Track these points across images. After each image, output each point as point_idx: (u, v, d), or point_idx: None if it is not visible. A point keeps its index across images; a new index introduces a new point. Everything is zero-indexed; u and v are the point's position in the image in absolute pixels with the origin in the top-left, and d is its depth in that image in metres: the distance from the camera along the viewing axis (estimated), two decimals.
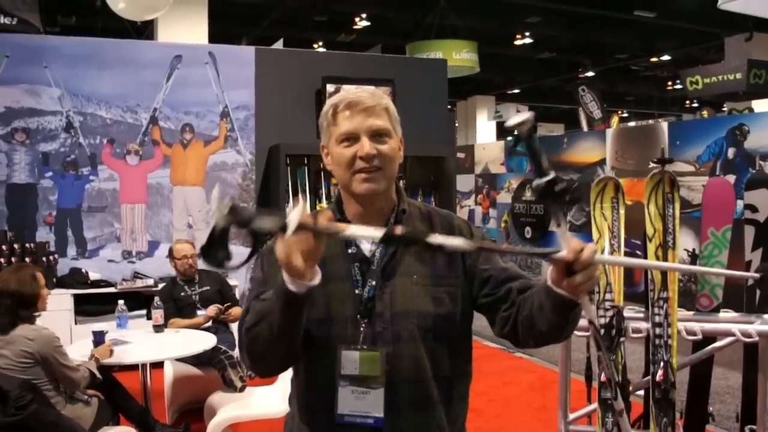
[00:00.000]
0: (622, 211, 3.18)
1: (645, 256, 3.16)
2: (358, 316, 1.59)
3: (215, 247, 1.25)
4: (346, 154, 1.60)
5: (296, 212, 1.26)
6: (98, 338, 4.04)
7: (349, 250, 1.63)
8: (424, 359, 1.60)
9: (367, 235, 1.37)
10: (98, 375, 3.64)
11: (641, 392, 3.29)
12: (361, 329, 1.58)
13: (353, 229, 1.34)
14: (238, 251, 1.29)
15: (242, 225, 1.24)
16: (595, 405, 3.07)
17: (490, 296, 1.64)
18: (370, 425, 1.56)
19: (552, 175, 1.44)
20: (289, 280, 1.37)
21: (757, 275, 2.26)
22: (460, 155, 13.12)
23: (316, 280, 1.39)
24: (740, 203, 4.00)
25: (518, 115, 1.42)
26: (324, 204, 7.04)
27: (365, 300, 1.60)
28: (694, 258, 8.24)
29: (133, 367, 4.39)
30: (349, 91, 1.66)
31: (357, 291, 1.60)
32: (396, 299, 1.60)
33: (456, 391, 1.68)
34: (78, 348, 4.20)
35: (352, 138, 1.60)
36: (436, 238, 1.34)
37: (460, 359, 1.69)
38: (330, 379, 1.59)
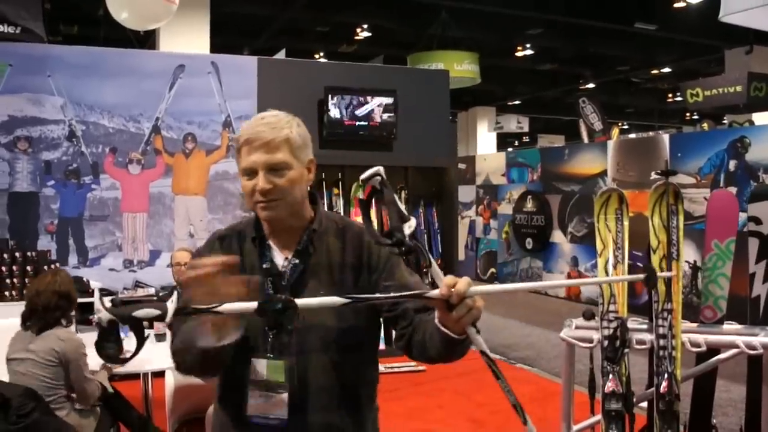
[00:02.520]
0: (626, 223, 3.18)
1: (650, 259, 3.16)
2: (266, 328, 1.72)
3: (104, 341, 1.32)
4: (247, 186, 1.73)
5: (173, 301, 1.35)
6: None
7: (264, 265, 1.77)
8: (327, 368, 1.75)
9: (239, 309, 1.42)
10: (109, 388, 3.65)
11: (644, 404, 3.28)
12: (269, 340, 1.73)
13: (226, 306, 1.40)
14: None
15: (124, 318, 1.31)
16: (598, 417, 3.06)
17: (390, 312, 1.77)
18: (275, 425, 1.71)
19: (410, 222, 1.51)
20: (208, 336, 1.50)
21: (641, 276, 2.35)
22: (461, 166, 13.14)
23: (233, 338, 1.51)
24: (742, 215, 4.00)
25: (369, 170, 1.51)
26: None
27: None
28: (695, 270, 8.24)
29: (134, 376, 4.38)
30: (255, 120, 1.75)
31: None
32: (302, 313, 1.69)
33: (362, 395, 1.82)
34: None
35: (251, 172, 1.71)
36: (306, 301, 1.46)
37: (365, 367, 1.83)
38: (242, 383, 1.75)
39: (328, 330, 1.73)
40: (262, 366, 1.74)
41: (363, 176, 1.51)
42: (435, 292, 1.47)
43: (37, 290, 3.52)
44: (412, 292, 1.54)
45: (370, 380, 1.85)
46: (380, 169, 1.51)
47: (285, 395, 1.71)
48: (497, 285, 1.91)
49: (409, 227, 1.51)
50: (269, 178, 1.68)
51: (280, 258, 1.78)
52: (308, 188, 1.79)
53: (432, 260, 1.53)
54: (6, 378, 3.40)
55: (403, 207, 1.51)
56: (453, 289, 1.44)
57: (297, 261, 1.76)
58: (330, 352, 1.74)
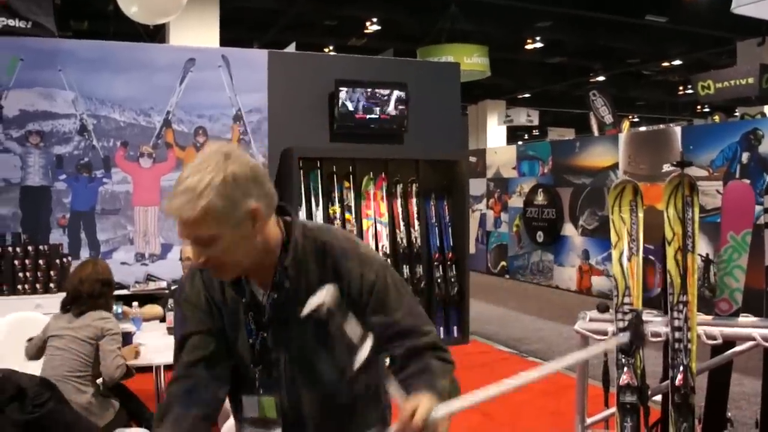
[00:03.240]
0: (640, 215, 3.17)
1: (663, 260, 3.14)
2: (252, 365, 1.67)
3: None
4: (187, 251, 1.61)
5: None
6: (125, 339, 4.06)
7: (243, 300, 1.66)
8: (322, 399, 1.68)
9: None
10: (133, 370, 3.74)
11: (658, 398, 3.26)
12: (256, 376, 1.66)
13: None
14: None
15: None
16: (613, 409, 3.05)
17: (377, 346, 1.64)
18: None
19: (367, 342, 1.45)
20: None
21: (625, 338, 2.37)
22: (472, 159, 13.12)
23: None
24: (757, 208, 3.98)
25: (316, 296, 1.42)
26: (336, 207, 7.05)
27: (257, 350, 1.66)
28: (707, 263, 8.21)
29: (146, 369, 4.39)
30: (175, 187, 1.50)
31: (250, 340, 1.67)
32: (289, 346, 1.66)
33: (362, 411, 1.73)
34: None
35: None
36: None
37: (361, 386, 1.72)
38: (238, 417, 1.74)
39: (317, 362, 1.65)
40: (253, 403, 1.69)
41: (305, 311, 1.45)
42: (393, 428, 1.39)
43: (80, 279, 3.71)
44: None
45: (371, 396, 1.76)
46: (324, 300, 1.43)
47: (279, 430, 1.67)
48: (461, 400, 1.71)
49: (362, 356, 1.44)
50: (201, 252, 1.51)
51: (259, 291, 1.66)
52: (263, 232, 1.56)
53: (393, 382, 1.48)
54: (22, 368, 3.42)
55: (354, 332, 1.45)
56: (412, 422, 1.36)
57: (276, 295, 1.63)
58: (320, 384, 1.67)
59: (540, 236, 11.85)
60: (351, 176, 7.22)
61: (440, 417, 1.37)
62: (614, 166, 10.27)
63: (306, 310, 1.43)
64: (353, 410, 1.73)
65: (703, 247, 8.08)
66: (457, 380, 1.63)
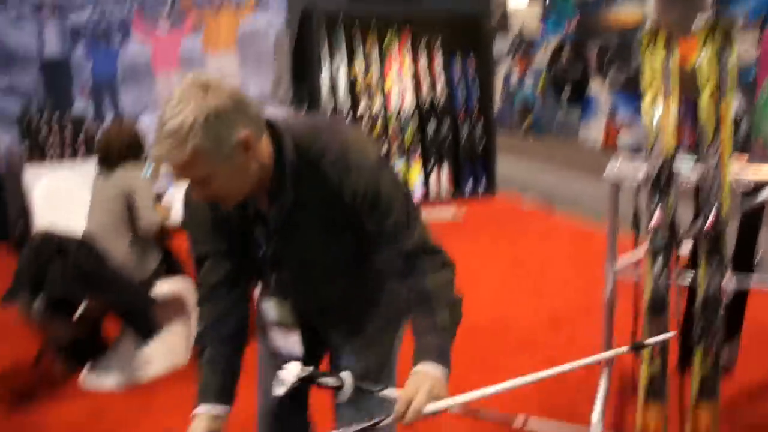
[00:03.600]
0: (674, 58, 3.07)
1: (694, 109, 3.08)
2: (265, 272, 1.76)
3: None
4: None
5: None
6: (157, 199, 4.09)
7: (249, 212, 1.66)
8: (334, 298, 1.81)
9: None
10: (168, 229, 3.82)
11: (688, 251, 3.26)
12: (271, 283, 1.77)
13: None
14: None
15: None
16: (643, 252, 3.08)
17: (374, 247, 1.71)
18: (297, 357, 1.73)
19: (346, 383, 1.52)
20: None
21: (625, 349, 2.31)
22: (496, 17, 12.78)
23: None
24: None
25: (286, 371, 1.47)
26: (359, 66, 6.93)
27: (268, 258, 1.71)
28: (737, 123, 8.05)
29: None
30: (158, 129, 1.44)
31: (260, 250, 1.71)
32: (298, 251, 1.70)
33: (373, 296, 1.84)
34: None
35: None
36: None
37: (371, 275, 1.80)
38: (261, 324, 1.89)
39: (328, 264, 1.74)
40: (270, 307, 1.80)
41: (280, 392, 1.49)
42: (389, 420, 1.48)
43: (108, 139, 3.71)
44: (369, 423, 1.50)
45: (378, 281, 1.82)
46: (294, 376, 1.47)
47: (297, 332, 1.79)
48: (456, 398, 1.69)
49: (345, 394, 1.51)
50: (199, 189, 1.52)
51: (263, 201, 1.65)
52: (257, 156, 1.53)
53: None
54: (61, 228, 3.51)
55: (330, 382, 1.51)
56: (404, 414, 1.45)
57: (279, 208, 1.64)
58: (335, 283, 1.78)
59: (566, 94, 11.67)
60: (375, 34, 7.08)
61: (431, 412, 1.46)
62: (643, 22, 9.95)
63: (280, 391, 1.49)
64: (364, 302, 1.84)
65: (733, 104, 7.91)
66: (460, 294, 1.65)
